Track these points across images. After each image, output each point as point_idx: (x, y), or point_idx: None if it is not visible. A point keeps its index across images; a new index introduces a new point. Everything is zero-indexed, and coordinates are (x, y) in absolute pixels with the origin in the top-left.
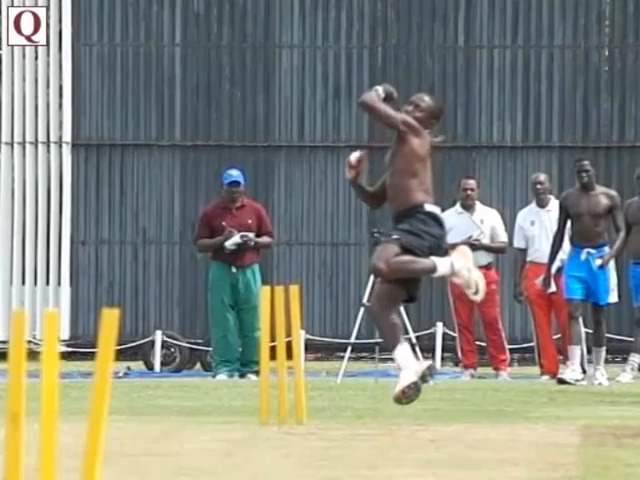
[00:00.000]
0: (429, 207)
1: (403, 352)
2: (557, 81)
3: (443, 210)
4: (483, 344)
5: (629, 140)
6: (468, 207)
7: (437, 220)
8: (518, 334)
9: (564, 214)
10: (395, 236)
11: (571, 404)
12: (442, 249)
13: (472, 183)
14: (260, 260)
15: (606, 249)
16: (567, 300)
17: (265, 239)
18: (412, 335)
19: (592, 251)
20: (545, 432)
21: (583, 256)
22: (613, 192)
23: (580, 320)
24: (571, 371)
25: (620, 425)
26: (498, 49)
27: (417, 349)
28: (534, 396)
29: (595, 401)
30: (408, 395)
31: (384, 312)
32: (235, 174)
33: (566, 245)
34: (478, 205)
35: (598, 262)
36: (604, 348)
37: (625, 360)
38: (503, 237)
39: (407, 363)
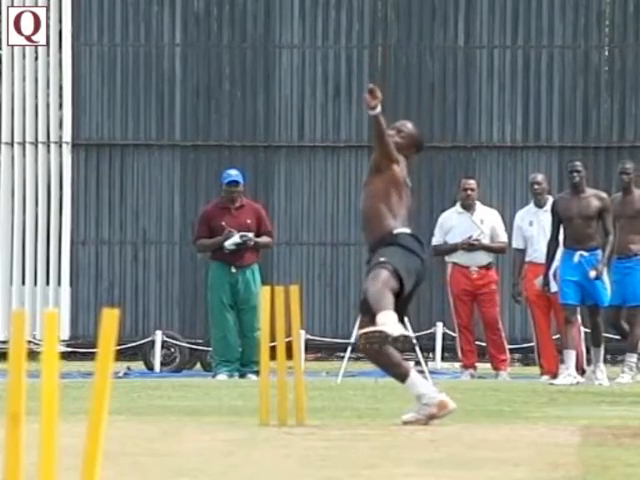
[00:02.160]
0: (398, 231)
1: (415, 380)
2: (557, 81)
3: (443, 210)
4: (483, 344)
5: (629, 140)
6: (468, 207)
7: (413, 246)
8: (518, 334)
9: (556, 219)
10: (382, 259)
11: (571, 404)
12: (425, 273)
13: (472, 183)
14: (260, 260)
15: (598, 252)
16: (563, 305)
17: (264, 239)
18: (412, 335)
19: (585, 254)
20: (545, 432)
21: (576, 259)
22: (603, 194)
23: (579, 320)
24: (564, 377)
25: (620, 425)
26: (498, 49)
27: (417, 349)
28: (534, 396)
29: (595, 401)
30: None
31: (380, 353)
32: (234, 174)
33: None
34: (478, 205)
35: (593, 274)
36: (602, 347)
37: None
38: (503, 237)
39: (425, 390)
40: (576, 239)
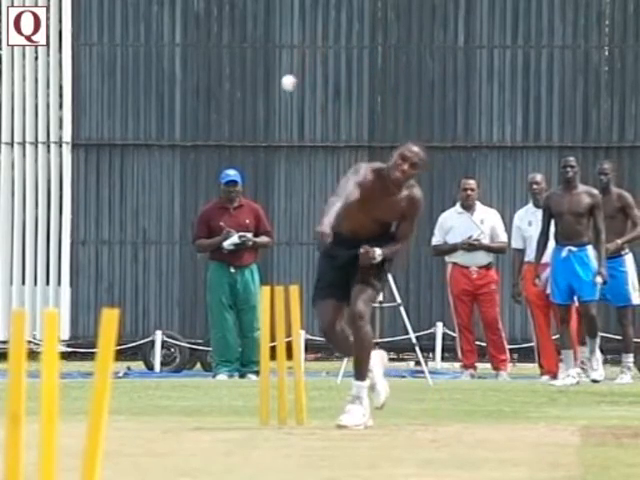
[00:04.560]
0: None
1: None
2: (557, 81)
3: (443, 210)
4: (483, 344)
5: (629, 140)
6: (468, 207)
7: None
8: (518, 334)
9: (547, 214)
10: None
11: (571, 404)
12: None
13: (472, 183)
14: (259, 260)
15: (587, 248)
16: (555, 305)
17: (263, 239)
18: (412, 335)
19: (574, 249)
20: (545, 432)
21: (564, 253)
22: (595, 191)
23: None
24: (564, 377)
25: (620, 425)
26: (498, 49)
27: (417, 349)
28: (534, 396)
29: (595, 401)
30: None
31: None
32: (232, 173)
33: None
34: (478, 205)
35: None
36: (598, 338)
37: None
38: (503, 237)
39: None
40: (566, 235)
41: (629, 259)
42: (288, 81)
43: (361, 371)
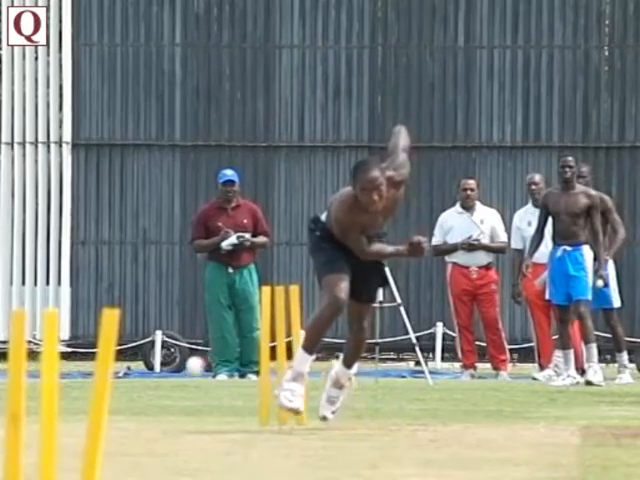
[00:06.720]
0: None
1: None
2: (557, 81)
3: (443, 210)
4: (483, 344)
5: (629, 140)
6: (468, 207)
7: None
8: (518, 334)
9: (544, 212)
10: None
11: (571, 404)
12: None
13: (472, 183)
14: (257, 260)
15: (583, 248)
16: (554, 305)
17: (261, 239)
18: (412, 335)
19: (568, 248)
20: (545, 432)
21: (559, 253)
22: (592, 192)
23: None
24: (563, 378)
25: (620, 425)
26: (498, 49)
27: (417, 349)
28: (534, 396)
29: (595, 401)
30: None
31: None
32: (229, 173)
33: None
34: (478, 205)
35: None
36: (594, 344)
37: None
38: (503, 237)
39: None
40: (562, 235)
41: (609, 263)
42: (195, 365)
43: (353, 362)
